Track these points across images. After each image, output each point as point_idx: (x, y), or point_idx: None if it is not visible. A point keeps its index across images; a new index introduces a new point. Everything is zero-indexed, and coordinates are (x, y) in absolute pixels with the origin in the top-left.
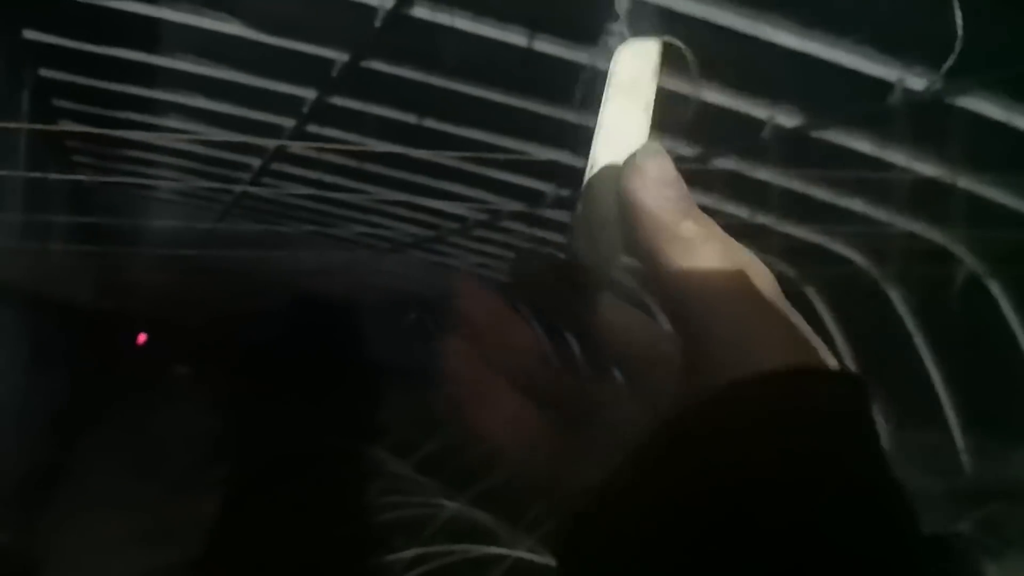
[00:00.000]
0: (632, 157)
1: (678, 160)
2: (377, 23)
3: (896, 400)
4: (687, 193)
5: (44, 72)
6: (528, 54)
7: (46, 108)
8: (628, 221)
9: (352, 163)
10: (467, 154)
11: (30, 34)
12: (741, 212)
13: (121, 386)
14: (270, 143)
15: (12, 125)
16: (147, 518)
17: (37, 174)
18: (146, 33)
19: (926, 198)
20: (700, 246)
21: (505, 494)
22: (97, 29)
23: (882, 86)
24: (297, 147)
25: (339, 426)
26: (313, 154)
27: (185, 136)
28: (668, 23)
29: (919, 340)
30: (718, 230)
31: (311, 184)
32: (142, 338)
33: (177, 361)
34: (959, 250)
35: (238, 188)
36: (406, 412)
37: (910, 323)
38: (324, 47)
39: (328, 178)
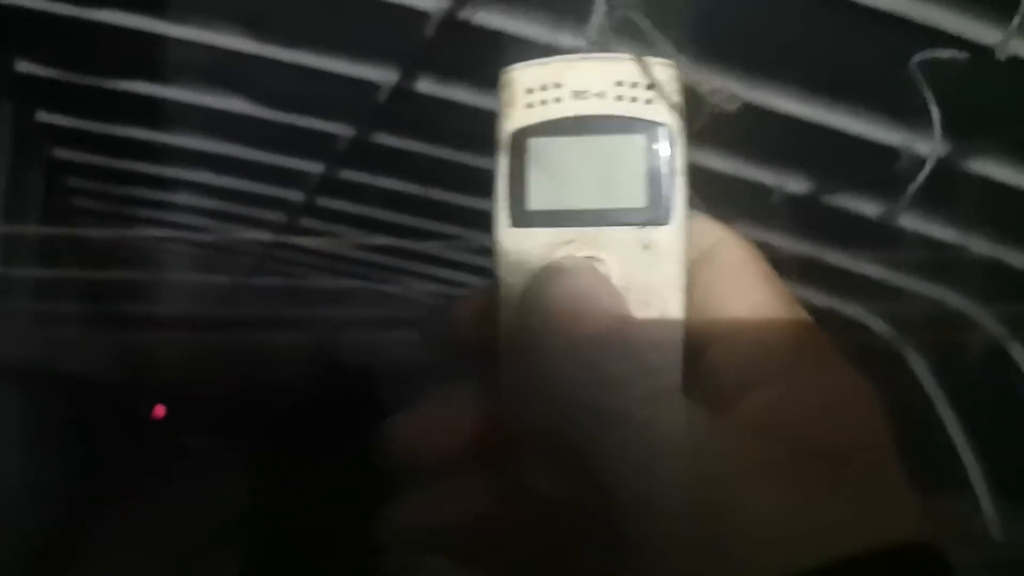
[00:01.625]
0: (545, 273)
1: None
2: (381, 98)
3: (920, 468)
4: (626, 317)
5: (57, 153)
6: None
7: (60, 187)
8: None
9: (361, 232)
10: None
11: (43, 116)
12: None
13: (138, 460)
14: (270, 235)
15: (43, 229)
16: None
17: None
18: (155, 112)
19: (942, 264)
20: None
21: None
22: (109, 110)
23: (890, 152)
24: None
25: (364, 498)
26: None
27: (192, 232)
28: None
29: (941, 407)
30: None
31: (325, 258)
32: (160, 411)
33: (197, 433)
34: (978, 315)
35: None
36: None
37: (931, 389)
38: (329, 122)
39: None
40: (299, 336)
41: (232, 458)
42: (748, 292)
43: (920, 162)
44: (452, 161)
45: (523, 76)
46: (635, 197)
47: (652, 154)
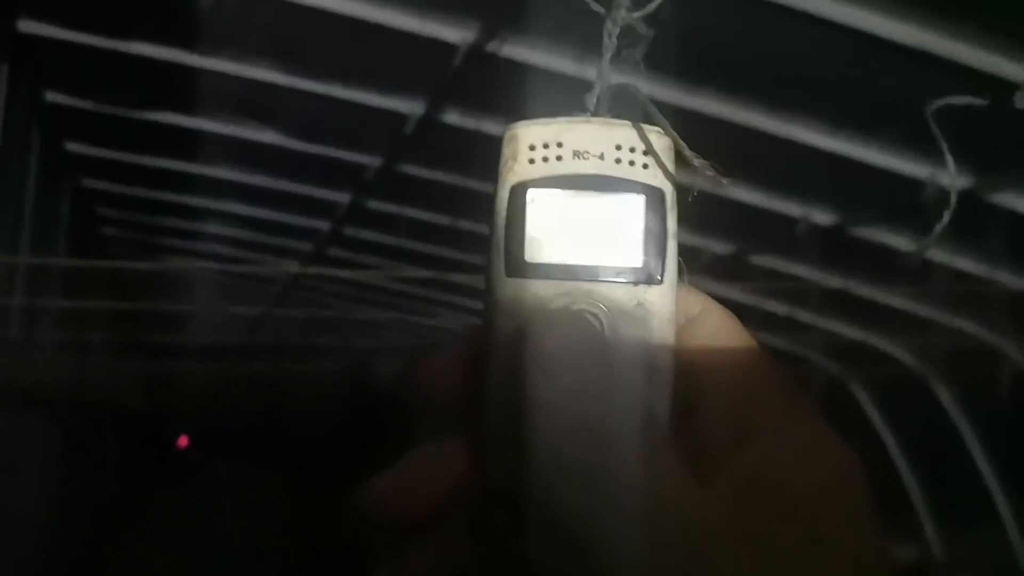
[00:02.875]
0: (537, 322)
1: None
2: (408, 129)
3: (949, 500)
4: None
5: (86, 182)
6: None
7: (87, 216)
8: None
9: (388, 261)
10: None
11: (73, 146)
12: (781, 309)
13: (163, 489)
14: (292, 268)
15: (71, 261)
16: None
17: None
18: (184, 143)
19: (970, 297)
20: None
21: None
22: (138, 140)
23: (916, 184)
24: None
25: None
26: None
27: (214, 264)
28: (702, 126)
29: (969, 439)
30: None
31: (354, 287)
32: (184, 440)
33: (220, 462)
34: (1006, 348)
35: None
36: None
37: (959, 421)
38: (358, 153)
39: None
40: (328, 365)
41: (259, 487)
42: (735, 356)
43: (945, 195)
44: (480, 192)
45: (527, 133)
46: (631, 256)
47: (649, 216)
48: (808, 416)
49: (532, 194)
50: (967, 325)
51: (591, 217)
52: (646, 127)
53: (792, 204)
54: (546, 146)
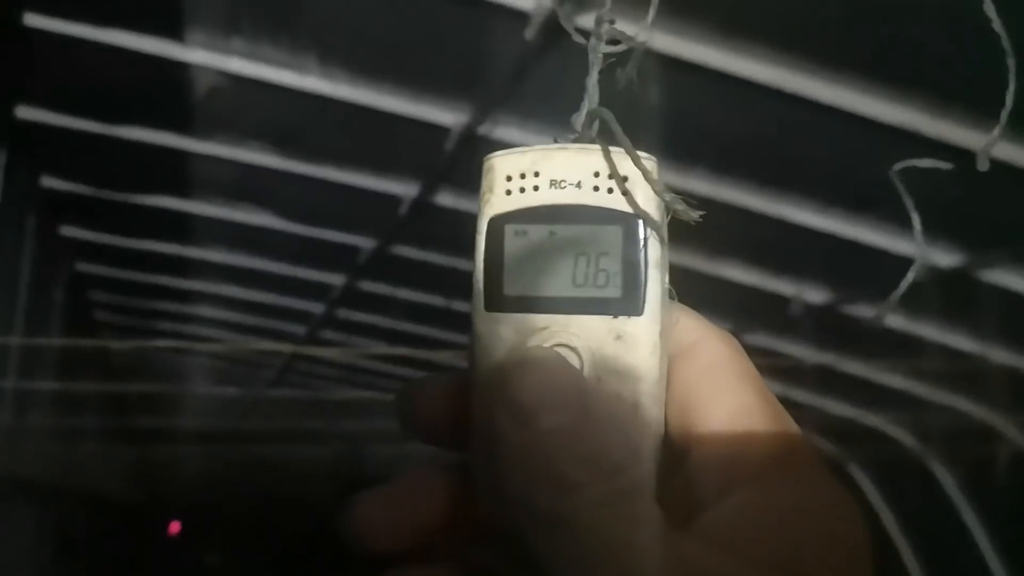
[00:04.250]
0: (511, 362)
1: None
2: (402, 211)
3: None
4: (585, 416)
5: (80, 266)
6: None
7: (80, 301)
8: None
9: (382, 343)
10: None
11: (67, 231)
12: (775, 388)
13: None
14: (287, 348)
15: (56, 342)
16: None
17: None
18: (179, 227)
19: (964, 374)
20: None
21: None
22: (133, 224)
23: (906, 262)
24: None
25: None
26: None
27: (212, 343)
28: (690, 204)
29: (970, 519)
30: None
31: (345, 370)
32: (175, 527)
33: (211, 551)
34: (1001, 425)
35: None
36: None
37: (958, 501)
38: (352, 235)
39: (361, 362)
40: (322, 449)
41: (251, 574)
42: (729, 393)
43: (935, 273)
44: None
45: (503, 163)
46: (609, 287)
47: (627, 245)
48: (804, 457)
49: (509, 228)
50: (964, 404)
51: (568, 248)
52: (622, 152)
53: (785, 283)
54: (523, 176)
